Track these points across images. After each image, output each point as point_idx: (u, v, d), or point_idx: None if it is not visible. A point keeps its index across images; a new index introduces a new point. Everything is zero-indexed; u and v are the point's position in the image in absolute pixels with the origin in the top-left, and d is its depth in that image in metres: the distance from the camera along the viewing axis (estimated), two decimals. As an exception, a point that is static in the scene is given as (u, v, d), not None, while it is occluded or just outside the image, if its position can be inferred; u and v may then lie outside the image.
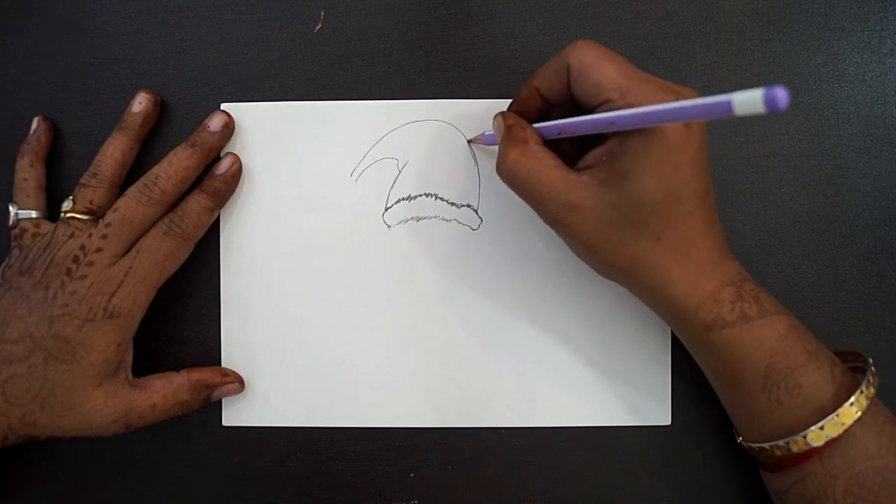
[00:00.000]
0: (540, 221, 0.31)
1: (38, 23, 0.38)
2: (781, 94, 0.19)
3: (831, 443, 0.29)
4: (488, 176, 0.37)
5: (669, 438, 0.37)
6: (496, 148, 0.37)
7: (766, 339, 0.30)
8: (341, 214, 0.37)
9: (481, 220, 0.37)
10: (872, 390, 0.30)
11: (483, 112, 0.37)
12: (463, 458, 0.37)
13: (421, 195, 0.37)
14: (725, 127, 0.37)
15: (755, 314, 0.30)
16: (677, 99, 0.25)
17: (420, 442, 0.37)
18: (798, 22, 0.37)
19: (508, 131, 0.31)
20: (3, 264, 0.33)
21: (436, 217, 0.37)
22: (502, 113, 0.33)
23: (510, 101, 0.37)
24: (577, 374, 0.37)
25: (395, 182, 0.37)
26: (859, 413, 0.29)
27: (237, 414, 0.37)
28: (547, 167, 0.29)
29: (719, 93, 0.37)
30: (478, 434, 0.37)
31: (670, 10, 0.37)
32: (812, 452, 0.29)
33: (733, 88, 0.36)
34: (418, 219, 0.37)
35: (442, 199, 0.37)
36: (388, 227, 0.37)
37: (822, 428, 0.29)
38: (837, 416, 0.29)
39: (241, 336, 0.37)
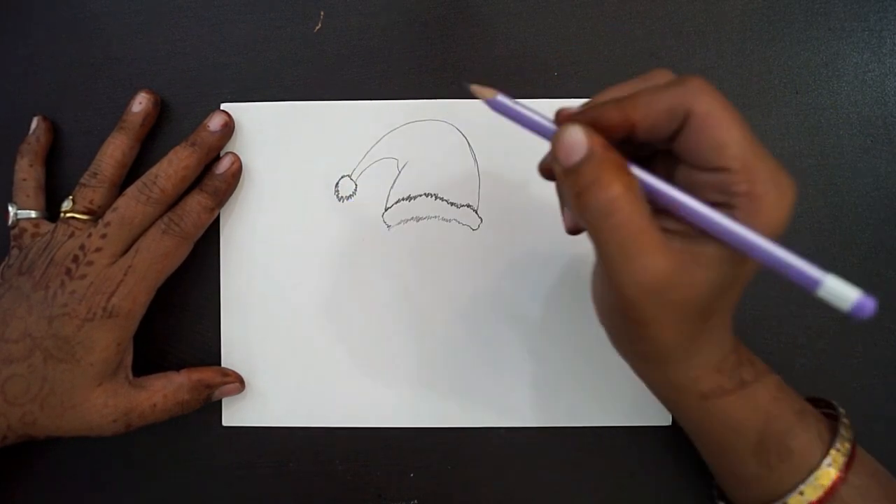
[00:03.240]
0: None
1: (38, 23, 0.38)
2: (869, 307, 0.21)
3: None
4: (488, 176, 0.37)
5: (669, 438, 0.37)
6: (493, 143, 0.37)
7: (760, 403, 0.28)
8: (341, 215, 0.37)
9: (481, 220, 0.37)
10: (848, 445, 0.28)
11: (482, 112, 0.37)
12: (463, 458, 0.37)
13: (421, 195, 0.37)
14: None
15: (752, 377, 0.28)
16: (792, 193, 0.23)
17: (420, 442, 0.37)
18: (798, 22, 0.37)
19: (605, 153, 0.23)
20: (3, 264, 0.33)
21: (436, 217, 0.37)
22: (584, 129, 0.23)
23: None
24: (577, 374, 0.37)
25: (395, 182, 0.37)
26: (837, 473, 0.28)
27: (237, 414, 0.37)
28: (648, 225, 0.23)
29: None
30: (478, 434, 0.37)
31: (670, 10, 0.37)
32: None
33: (733, 88, 0.37)
34: (418, 219, 0.37)
35: (442, 199, 0.37)
36: (388, 227, 0.37)
37: (801, 493, 0.28)
38: (816, 478, 0.28)
39: (241, 336, 0.37)
